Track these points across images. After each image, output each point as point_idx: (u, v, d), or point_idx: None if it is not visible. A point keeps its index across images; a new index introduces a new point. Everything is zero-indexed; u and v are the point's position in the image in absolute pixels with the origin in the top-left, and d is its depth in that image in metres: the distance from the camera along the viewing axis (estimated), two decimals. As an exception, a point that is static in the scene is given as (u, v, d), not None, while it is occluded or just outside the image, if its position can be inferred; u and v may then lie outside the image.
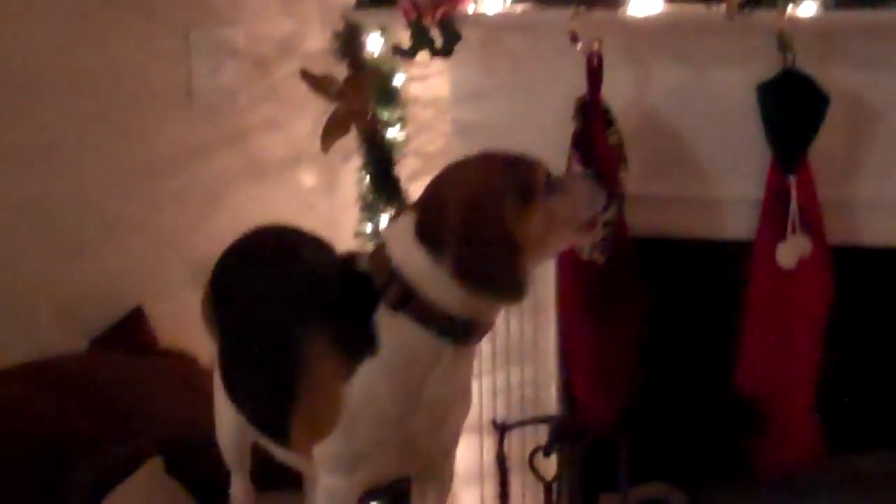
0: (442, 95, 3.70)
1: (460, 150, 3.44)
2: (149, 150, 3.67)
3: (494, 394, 3.58)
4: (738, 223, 3.43)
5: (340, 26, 3.52)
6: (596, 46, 3.29)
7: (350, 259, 2.53)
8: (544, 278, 3.49)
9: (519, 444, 3.57)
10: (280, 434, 2.55)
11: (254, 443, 2.85)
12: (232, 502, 2.95)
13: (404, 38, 3.40)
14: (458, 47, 3.36)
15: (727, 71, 3.38)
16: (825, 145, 3.28)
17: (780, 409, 3.42)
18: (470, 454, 3.52)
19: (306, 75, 3.44)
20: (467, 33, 3.35)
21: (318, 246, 2.79)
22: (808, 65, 3.23)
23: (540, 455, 3.53)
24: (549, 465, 3.57)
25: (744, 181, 3.40)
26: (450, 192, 2.43)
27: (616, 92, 3.35)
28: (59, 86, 3.49)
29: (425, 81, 3.71)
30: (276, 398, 2.52)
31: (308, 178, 3.88)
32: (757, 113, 3.29)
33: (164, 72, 3.67)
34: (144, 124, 3.66)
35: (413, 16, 3.34)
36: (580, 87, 3.33)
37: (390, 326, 2.41)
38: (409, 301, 2.39)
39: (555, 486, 3.58)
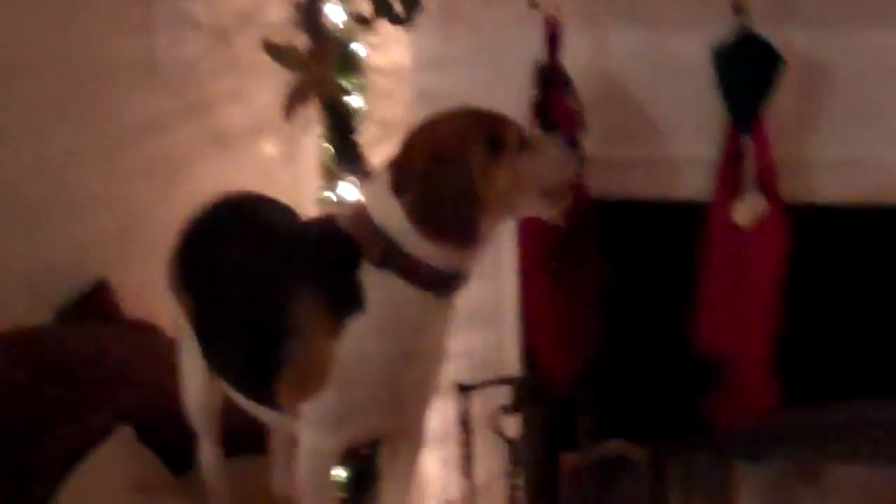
0: (402, 64, 3.71)
1: (420, 118, 3.48)
2: (112, 122, 3.63)
3: (456, 357, 3.56)
4: (695, 184, 3.44)
5: (301, -4, 3.53)
6: (554, 12, 3.31)
7: (330, 219, 2.53)
8: (504, 242, 3.49)
9: (481, 406, 3.55)
10: (266, 395, 2.53)
11: (221, 408, 2.86)
12: (200, 467, 2.93)
13: (365, 7, 3.39)
14: (419, 15, 3.36)
15: (683, 34, 3.39)
16: (780, 106, 3.30)
17: (737, 365, 3.45)
18: (434, 416, 3.50)
19: (269, 46, 3.44)
20: (427, 1, 3.34)
21: (286, 211, 2.78)
22: (762, 27, 3.24)
23: (503, 415, 3.52)
24: (512, 426, 3.58)
25: (700, 142, 3.42)
26: (418, 142, 2.45)
27: (574, 57, 3.37)
28: (20, 59, 3.44)
29: (385, 50, 3.68)
30: (262, 359, 2.51)
31: (270, 148, 3.87)
32: (713, 75, 3.30)
33: (126, 44, 3.63)
34: (107, 97, 3.62)
35: None
36: (539, 52, 3.34)
37: (375, 283, 2.40)
38: (392, 257, 2.39)
39: (518, 446, 3.57)
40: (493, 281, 3.61)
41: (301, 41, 3.48)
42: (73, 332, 3.41)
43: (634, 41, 3.45)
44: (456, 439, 3.57)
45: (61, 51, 3.51)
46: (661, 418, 3.60)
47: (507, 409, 3.54)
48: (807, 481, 3.64)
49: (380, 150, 3.49)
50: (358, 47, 3.53)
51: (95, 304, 3.53)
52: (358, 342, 2.41)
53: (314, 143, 3.60)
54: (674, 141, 3.49)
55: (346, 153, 3.51)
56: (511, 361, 3.71)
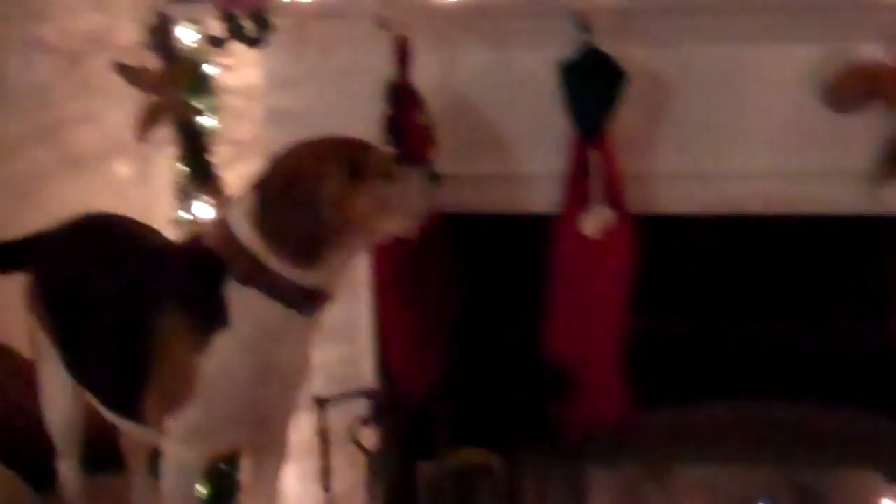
0: (253, 84, 3.68)
1: (272, 137, 3.48)
2: None
3: (313, 370, 3.55)
4: (544, 197, 3.46)
5: (153, 19, 3.48)
6: (404, 31, 3.31)
7: (195, 237, 2.54)
8: (359, 257, 3.47)
9: (338, 419, 3.53)
10: (132, 410, 2.52)
11: (83, 426, 2.88)
12: (62, 485, 2.93)
13: (216, 28, 3.39)
14: (270, 37, 3.37)
15: (530, 51, 3.41)
16: (624, 120, 3.34)
17: (588, 372, 3.48)
18: (294, 430, 3.51)
19: (121, 68, 3.44)
20: (278, 22, 3.36)
21: (146, 229, 2.79)
22: (606, 44, 3.28)
23: (361, 427, 3.53)
24: (370, 438, 3.58)
25: (548, 157, 3.44)
26: (279, 164, 2.49)
27: (424, 75, 3.38)
28: None
29: (237, 71, 3.66)
30: (128, 375, 2.52)
31: (123, 169, 3.84)
32: (559, 91, 3.33)
33: None
34: None
35: (225, 7, 3.34)
36: (389, 71, 3.35)
37: (239, 299, 2.43)
38: (256, 274, 2.42)
39: (376, 457, 3.58)
40: (348, 295, 3.43)
41: (153, 63, 3.48)
42: None
43: (483, 59, 3.46)
44: (313, 453, 3.55)
45: None
46: (517, 426, 3.62)
47: (364, 422, 3.54)
48: (657, 483, 3.70)
49: (233, 169, 3.52)
50: (210, 68, 3.54)
51: None
52: (223, 357, 2.44)
53: (168, 163, 3.59)
54: (523, 156, 3.50)
55: (199, 173, 3.52)
56: (367, 374, 3.70)
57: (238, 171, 3.47)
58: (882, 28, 3.20)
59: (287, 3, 3.36)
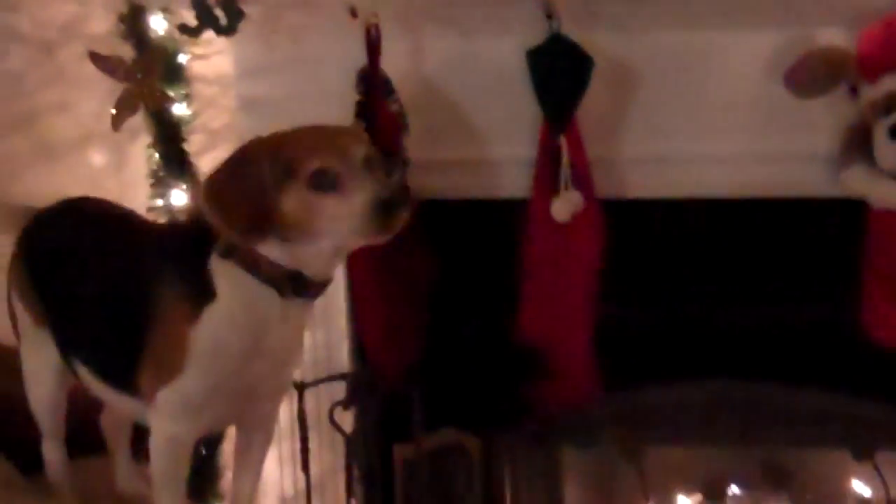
0: (225, 72, 3.70)
1: (245, 125, 3.55)
2: None
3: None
4: (514, 182, 3.51)
5: (125, 9, 3.50)
6: (373, 20, 3.33)
7: (185, 213, 2.57)
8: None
9: (315, 403, 3.59)
10: (127, 383, 2.58)
11: (66, 409, 2.89)
12: (46, 467, 2.95)
13: (187, 17, 3.39)
14: (241, 25, 3.35)
15: (498, 39, 3.44)
16: (592, 106, 3.38)
17: (559, 354, 3.52)
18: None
19: (94, 56, 3.45)
20: (249, 10, 3.34)
21: (127, 210, 2.84)
22: (572, 30, 3.32)
23: (338, 410, 3.55)
24: (348, 421, 3.63)
25: (518, 143, 3.48)
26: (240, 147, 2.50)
27: (394, 62, 3.41)
28: None
29: (209, 59, 3.67)
30: (124, 347, 2.56)
31: (97, 158, 3.83)
32: (527, 77, 3.37)
33: None
34: None
35: None
36: (360, 59, 3.37)
37: (223, 273, 2.46)
38: (235, 248, 2.45)
39: (353, 439, 3.62)
40: None
41: (126, 52, 3.49)
42: None
43: (451, 47, 3.49)
44: (292, 436, 3.59)
45: None
46: (491, 407, 3.68)
47: (341, 405, 3.57)
48: (630, 464, 3.77)
49: (207, 157, 3.54)
50: (182, 57, 3.57)
51: None
52: (213, 329, 2.46)
53: (142, 151, 3.61)
54: (493, 142, 3.54)
55: (173, 161, 3.54)
56: (343, 358, 3.75)
57: (212, 160, 3.49)
58: (843, 13, 3.26)
59: (258, -8, 3.40)
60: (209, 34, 3.40)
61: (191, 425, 2.58)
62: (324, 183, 2.38)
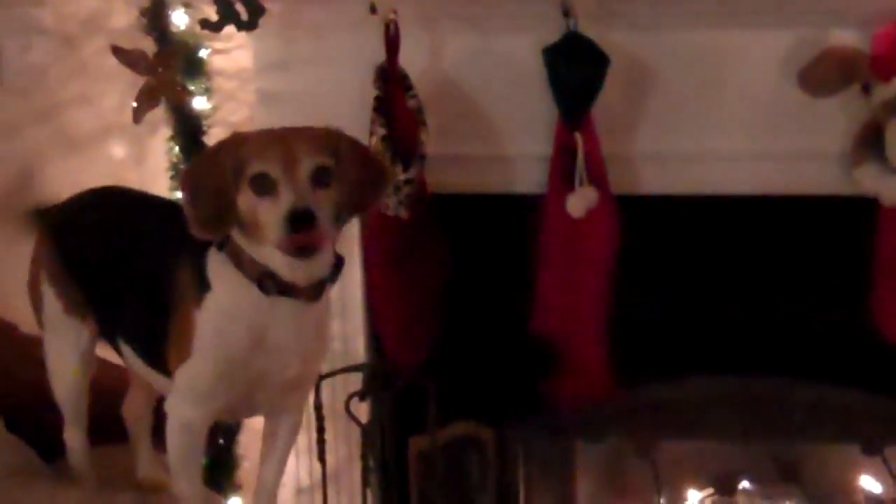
0: (244, 67, 3.73)
1: (264, 119, 3.56)
2: None
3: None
4: (530, 178, 3.53)
5: (146, 3, 3.54)
6: (392, 16, 3.36)
7: None
8: (349, 237, 3.55)
9: (332, 395, 3.60)
10: (160, 360, 2.65)
11: (88, 396, 2.94)
12: (69, 454, 2.99)
13: (208, 12, 3.43)
14: (261, 20, 3.39)
15: (515, 36, 3.46)
16: (607, 103, 3.41)
17: (573, 348, 3.56)
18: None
19: (117, 50, 3.49)
20: (269, 6, 3.39)
21: (153, 196, 2.89)
22: (589, 29, 3.35)
23: (355, 401, 3.57)
24: (364, 413, 3.65)
25: (534, 139, 3.51)
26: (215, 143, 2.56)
27: (413, 59, 3.43)
28: None
29: (229, 54, 3.72)
30: (155, 328, 2.62)
31: (118, 150, 3.87)
32: (544, 75, 3.40)
33: None
34: None
35: None
36: (379, 55, 3.40)
37: (217, 264, 2.52)
38: (225, 242, 2.50)
39: (369, 431, 3.63)
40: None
41: (148, 46, 3.53)
42: None
43: (469, 43, 3.51)
44: (309, 427, 3.54)
45: None
46: (505, 400, 3.71)
47: (357, 396, 3.58)
48: (640, 457, 3.83)
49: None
50: (203, 51, 3.61)
51: None
52: (212, 317, 2.52)
53: (162, 144, 3.66)
54: (509, 138, 3.56)
55: (193, 154, 3.56)
56: (359, 350, 3.77)
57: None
58: (857, 14, 3.29)
59: (278, -12, 3.42)
60: (230, 29, 3.43)
61: (201, 410, 2.62)
62: (261, 186, 2.40)
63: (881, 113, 3.27)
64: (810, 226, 3.53)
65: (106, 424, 3.03)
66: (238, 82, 3.77)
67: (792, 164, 3.45)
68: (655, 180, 3.54)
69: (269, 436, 2.81)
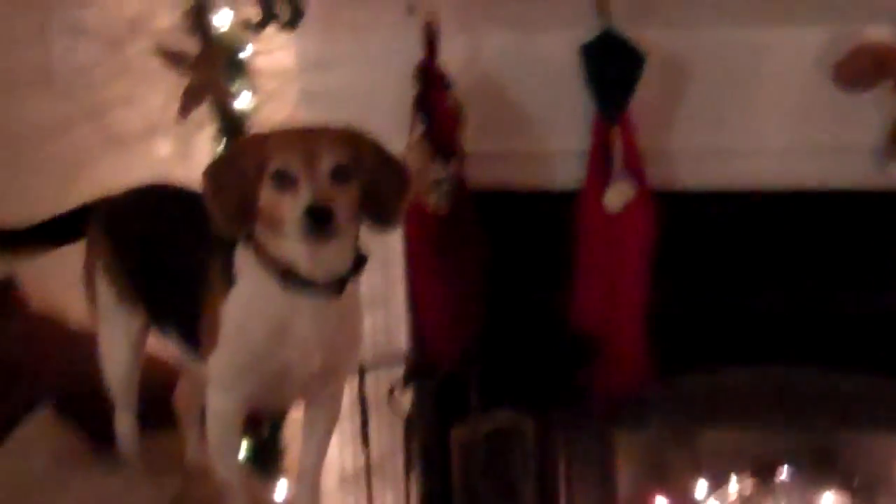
0: (286, 66, 3.76)
1: (306, 118, 3.58)
2: (12, 125, 3.67)
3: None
4: (569, 174, 3.57)
5: (190, 4, 3.58)
6: (431, 16, 3.41)
7: None
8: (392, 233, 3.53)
9: (375, 385, 3.67)
10: (196, 346, 2.71)
11: (138, 382, 2.99)
12: (119, 440, 3.03)
13: (252, 12, 3.50)
14: (303, 20, 3.48)
15: (552, 34, 3.50)
16: (644, 99, 3.44)
17: (612, 340, 3.59)
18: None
19: (162, 51, 3.56)
20: (311, 7, 3.46)
21: (197, 194, 2.95)
22: (625, 27, 3.39)
23: (397, 392, 3.66)
24: (406, 403, 3.71)
25: (571, 135, 3.54)
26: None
27: (452, 57, 3.47)
28: None
29: (271, 54, 3.73)
30: (192, 317, 2.68)
31: (163, 148, 3.91)
32: (581, 72, 3.44)
33: (23, 52, 3.67)
34: (7, 102, 3.65)
35: None
36: (418, 53, 3.44)
37: (242, 259, 2.56)
38: (251, 237, 2.54)
39: (411, 420, 3.72)
40: (382, 266, 3.70)
41: (191, 46, 3.59)
42: None
43: (507, 42, 3.55)
44: (353, 416, 3.66)
45: None
46: (547, 391, 3.72)
47: (400, 386, 3.67)
48: (680, 446, 3.84)
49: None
50: (245, 52, 3.64)
51: (4, 298, 3.54)
52: (235, 310, 2.57)
53: (206, 143, 3.70)
54: (547, 134, 3.60)
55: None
56: (401, 341, 3.81)
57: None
58: (891, 11, 3.29)
59: (319, -11, 3.46)
60: (271, 30, 3.52)
61: (231, 399, 2.66)
62: (282, 182, 2.44)
63: (913, 108, 3.28)
64: (845, 219, 3.53)
65: (157, 411, 3.07)
66: (280, 82, 3.78)
67: (826, 159, 3.46)
68: (692, 175, 3.56)
69: (307, 424, 2.84)
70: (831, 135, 3.45)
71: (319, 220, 2.40)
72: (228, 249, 2.59)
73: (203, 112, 3.64)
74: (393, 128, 3.44)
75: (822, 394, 3.68)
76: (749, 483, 3.89)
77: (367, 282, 3.52)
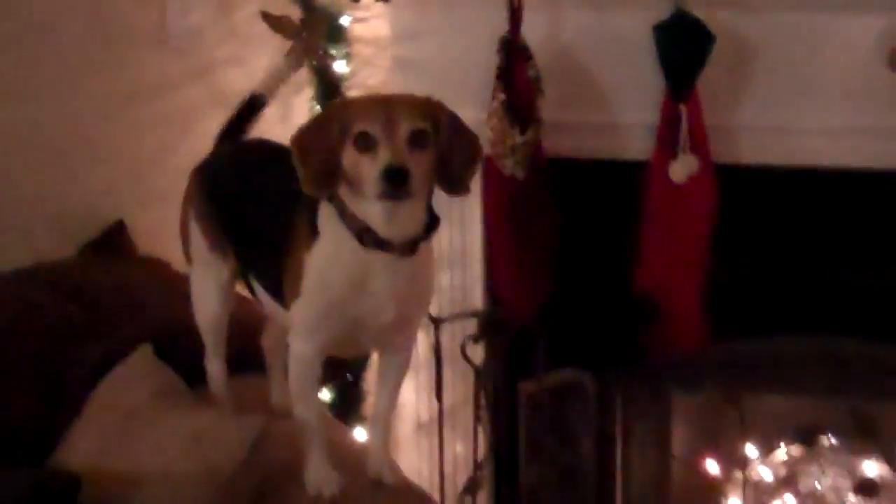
0: (381, 35, 3.84)
1: (398, 83, 3.68)
2: (129, 82, 3.73)
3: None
4: (638, 145, 3.63)
5: (295, -27, 3.63)
6: None
7: None
8: (472, 195, 3.47)
9: (450, 338, 3.72)
10: (283, 297, 2.77)
11: (228, 328, 3.06)
12: (209, 380, 3.12)
13: (351, -16, 3.56)
14: None
15: (628, 14, 3.56)
16: (711, 78, 3.49)
17: (672, 304, 3.65)
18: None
19: (266, 16, 3.54)
20: None
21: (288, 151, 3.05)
22: (696, 8, 3.44)
23: (470, 344, 3.68)
24: (478, 355, 3.76)
25: (642, 109, 3.59)
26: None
27: (534, 31, 3.53)
28: (52, 23, 3.55)
29: (367, 22, 3.83)
30: (278, 267, 2.75)
31: (266, 108, 3.77)
32: (653, 50, 3.50)
33: (141, 13, 3.74)
34: (125, 60, 3.71)
35: None
36: (503, 27, 3.51)
37: (327, 215, 2.63)
38: (334, 196, 2.61)
39: (482, 373, 3.75)
40: (461, 227, 3.79)
41: (294, 13, 3.63)
42: (94, 264, 3.52)
43: (586, 19, 3.60)
44: (428, 367, 3.74)
45: (87, 18, 3.60)
46: (608, 350, 3.79)
47: (473, 339, 3.69)
48: (732, 408, 3.81)
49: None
50: (344, 19, 3.74)
51: (113, 241, 3.64)
52: (319, 262, 2.63)
53: (305, 103, 3.78)
54: (619, 107, 3.64)
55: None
56: (477, 298, 3.87)
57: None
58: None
59: (414, -38, 3.51)
60: (368, 0, 3.62)
61: (311, 344, 2.72)
62: (364, 144, 2.50)
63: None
64: (894, 198, 3.57)
65: (246, 355, 3.16)
66: (375, 49, 3.85)
67: (880, 141, 3.49)
68: (753, 151, 3.59)
69: (380, 371, 2.90)
70: (887, 117, 3.47)
71: (396, 180, 2.47)
72: (313, 206, 2.64)
73: (303, 75, 3.71)
74: (476, 95, 3.54)
75: (865, 364, 3.71)
76: (794, 448, 3.92)
77: (447, 242, 3.68)
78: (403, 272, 2.64)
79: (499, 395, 3.87)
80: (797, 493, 3.85)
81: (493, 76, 3.54)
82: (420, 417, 3.98)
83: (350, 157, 2.53)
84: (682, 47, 3.48)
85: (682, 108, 3.51)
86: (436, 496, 3.75)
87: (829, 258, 3.67)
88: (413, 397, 3.95)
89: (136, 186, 3.78)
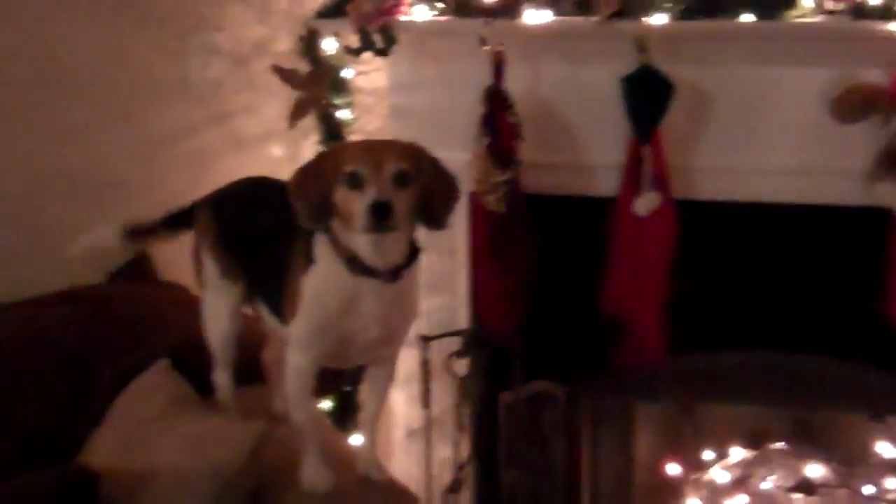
0: (380, 85, 3.76)
1: (395, 129, 3.60)
2: (154, 128, 3.70)
3: (420, 315, 3.63)
4: (606, 183, 3.53)
5: (303, 32, 3.60)
6: (499, 48, 3.39)
7: None
8: (458, 225, 3.57)
9: (437, 354, 3.63)
10: (281, 313, 2.73)
11: (237, 344, 3.01)
12: (217, 390, 3.08)
13: (353, 40, 3.49)
14: (395, 48, 3.48)
15: (598, 67, 3.46)
16: (672, 123, 3.40)
17: (635, 323, 3.55)
18: (400, 362, 3.58)
19: (277, 69, 3.57)
20: (402, 37, 3.46)
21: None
22: (659, 62, 3.35)
23: (455, 359, 3.62)
24: (462, 369, 3.66)
25: (610, 151, 3.50)
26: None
27: (515, 83, 3.44)
28: (86, 75, 3.53)
29: (368, 74, 3.76)
30: (279, 290, 2.71)
31: (276, 151, 3.93)
32: (621, 99, 3.40)
33: (165, 66, 3.70)
34: (151, 108, 3.69)
35: (360, 24, 3.44)
36: (487, 79, 3.42)
37: (321, 244, 2.60)
38: (328, 228, 2.57)
39: (466, 384, 3.67)
40: (449, 255, 3.70)
41: (303, 66, 3.60)
42: (120, 288, 3.50)
43: (561, 72, 3.52)
44: (417, 380, 3.64)
45: (116, 69, 3.59)
46: (578, 364, 3.67)
47: (458, 355, 3.63)
48: (686, 417, 3.78)
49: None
50: (347, 72, 3.66)
51: (138, 269, 3.59)
52: (313, 285, 2.61)
53: (312, 147, 3.68)
54: (590, 149, 3.55)
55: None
56: (462, 318, 3.77)
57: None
58: (880, 55, 3.25)
59: (409, 22, 3.46)
60: (369, 54, 3.51)
61: (306, 357, 2.70)
62: (353, 183, 2.48)
63: (896, 139, 3.24)
64: (833, 230, 3.49)
65: (250, 368, 3.13)
66: (375, 98, 3.80)
67: (822, 179, 3.42)
68: (709, 188, 3.51)
69: (369, 381, 2.90)
70: (827, 158, 3.41)
71: (381, 214, 2.44)
72: (309, 237, 2.62)
73: (310, 121, 3.65)
74: (464, 138, 3.46)
75: (807, 377, 3.58)
76: (745, 452, 3.81)
77: (436, 268, 3.60)
78: (388, 296, 2.63)
79: (481, 404, 3.77)
80: (749, 493, 3.74)
81: (478, 122, 3.46)
82: (410, 425, 3.88)
83: (341, 194, 2.51)
84: (647, 97, 3.39)
85: (646, 150, 3.42)
86: (425, 495, 3.70)
87: (775, 282, 3.58)
88: (404, 407, 3.87)
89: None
